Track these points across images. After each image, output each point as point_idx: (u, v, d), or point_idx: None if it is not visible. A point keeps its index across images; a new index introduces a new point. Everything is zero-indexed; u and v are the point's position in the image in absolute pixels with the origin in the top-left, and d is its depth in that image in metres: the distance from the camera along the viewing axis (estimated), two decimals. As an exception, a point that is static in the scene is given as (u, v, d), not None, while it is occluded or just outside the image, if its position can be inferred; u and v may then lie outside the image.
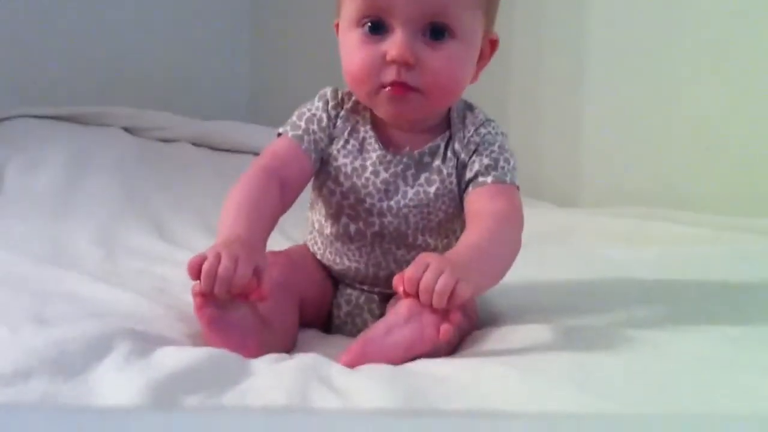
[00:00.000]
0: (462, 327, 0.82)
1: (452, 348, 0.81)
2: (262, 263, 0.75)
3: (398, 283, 0.74)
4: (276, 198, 0.85)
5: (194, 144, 2.01)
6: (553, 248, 1.35)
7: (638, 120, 1.80)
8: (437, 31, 0.83)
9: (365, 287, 0.94)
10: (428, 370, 0.71)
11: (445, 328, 0.73)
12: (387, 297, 0.92)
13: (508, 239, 0.83)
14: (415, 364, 0.73)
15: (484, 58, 0.90)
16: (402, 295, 0.75)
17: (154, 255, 1.23)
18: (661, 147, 1.75)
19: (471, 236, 0.82)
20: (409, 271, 0.73)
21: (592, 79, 1.86)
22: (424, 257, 0.75)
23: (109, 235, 1.32)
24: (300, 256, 0.96)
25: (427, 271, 0.72)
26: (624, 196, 1.78)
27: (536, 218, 1.48)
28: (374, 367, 0.71)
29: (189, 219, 1.48)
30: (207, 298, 0.74)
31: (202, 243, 1.28)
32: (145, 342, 0.74)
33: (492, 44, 0.91)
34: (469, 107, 0.92)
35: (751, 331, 0.85)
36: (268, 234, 0.83)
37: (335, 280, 0.96)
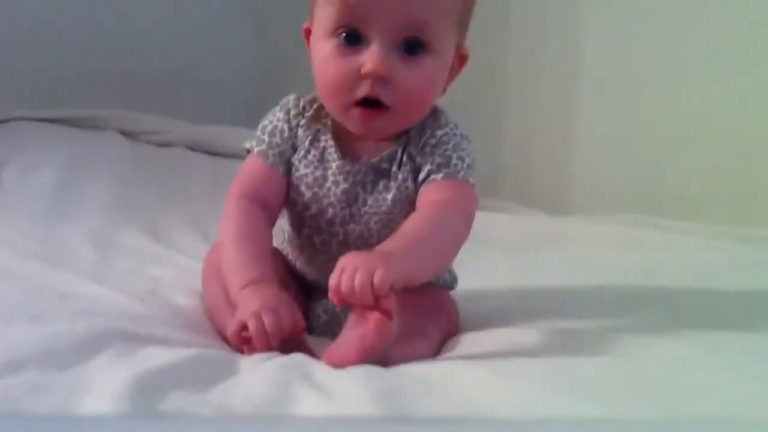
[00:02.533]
0: (441, 330, 0.84)
1: (435, 351, 0.83)
2: (289, 298, 0.79)
3: (330, 296, 0.75)
4: (265, 222, 0.89)
5: (190, 148, 2.02)
6: (543, 254, 1.36)
7: (631, 123, 1.81)
8: (413, 46, 0.83)
9: None
10: (407, 370, 0.72)
11: (374, 316, 0.73)
12: None
13: (448, 224, 0.83)
14: (396, 366, 0.74)
15: (453, 71, 0.89)
16: (338, 306, 0.75)
17: (147, 256, 1.24)
18: (653, 150, 1.77)
19: (408, 224, 0.82)
20: (330, 281, 0.74)
21: (586, 85, 1.87)
22: (340, 262, 0.75)
23: (103, 236, 1.33)
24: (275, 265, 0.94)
25: (343, 275, 0.73)
26: (615, 203, 1.79)
27: (526, 225, 1.50)
28: (356, 367, 0.71)
29: (183, 223, 1.49)
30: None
31: (195, 246, 1.29)
32: (136, 341, 0.75)
33: (461, 59, 0.90)
34: (434, 112, 0.91)
35: (735, 338, 0.85)
36: (271, 261, 0.86)
37: (308, 288, 0.96)
